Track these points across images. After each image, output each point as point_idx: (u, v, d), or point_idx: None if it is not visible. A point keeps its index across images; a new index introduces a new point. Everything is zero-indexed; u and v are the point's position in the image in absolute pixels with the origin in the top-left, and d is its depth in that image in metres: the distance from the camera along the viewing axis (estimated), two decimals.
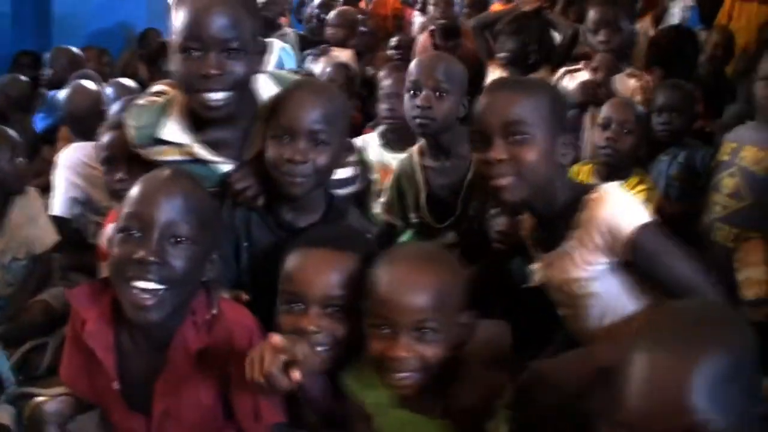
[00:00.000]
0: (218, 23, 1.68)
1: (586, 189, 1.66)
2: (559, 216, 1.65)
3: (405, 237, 2.45)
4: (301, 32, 4.81)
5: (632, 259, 1.58)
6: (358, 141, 2.88)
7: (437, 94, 2.24)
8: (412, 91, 2.29)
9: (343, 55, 4.11)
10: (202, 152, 1.81)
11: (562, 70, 3.09)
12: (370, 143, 2.91)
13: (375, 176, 2.75)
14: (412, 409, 1.49)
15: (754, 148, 2.50)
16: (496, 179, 1.59)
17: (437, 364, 1.42)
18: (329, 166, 1.77)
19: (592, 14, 3.01)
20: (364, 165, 2.12)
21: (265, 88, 1.87)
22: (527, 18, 3.31)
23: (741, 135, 2.59)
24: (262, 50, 1.86)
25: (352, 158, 2.07)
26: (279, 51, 3.96)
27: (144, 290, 1.44)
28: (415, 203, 2.34)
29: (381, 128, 2.96)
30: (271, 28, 4.15)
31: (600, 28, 3.01)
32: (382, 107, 2.89)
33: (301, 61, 4.11)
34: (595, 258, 1.60)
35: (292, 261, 1.59)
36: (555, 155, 1.62)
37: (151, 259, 1.43)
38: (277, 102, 1.79)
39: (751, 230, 2.43)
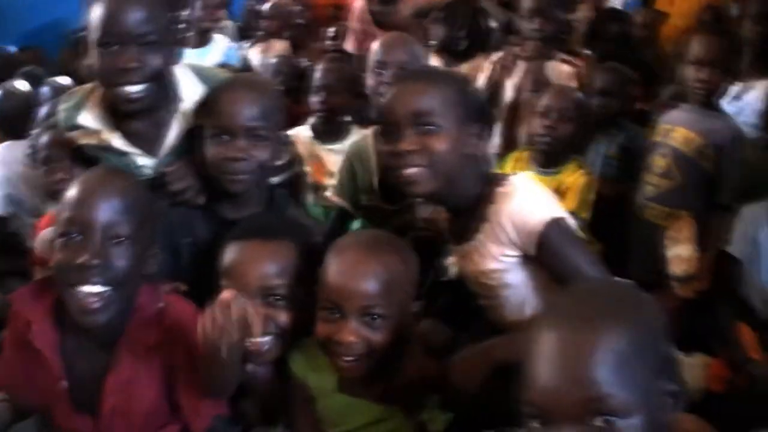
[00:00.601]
0: (134, 17, 1.70)
1: (498, 181, 1.64)
2: (471, 208, 1.64)
3: (356, 225, 2.47)
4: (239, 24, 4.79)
5: (536, 253, 1.58)
6: (289, 133, 2.89)
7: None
8: (377, 71, 2.33)
9: (278, 46, 4.09)
10: (117, 143, 1.82)
11: (494, 57, 3.13)
12: (300, 134, 2.91)
13: (306, 169, 2.78)
14: (354, 394, 1.52)
15: (685, 129, 2.59)
16: (405, 170, 1.58)
17: (383, 350, 1.44)
18: (269, 161, 1.79)
19: (525, 2, 3.06)
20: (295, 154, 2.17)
21: (184, 80, 1.88)
22: (457, 5, 3.34)
23: (673, 117, 2.68)
24: (179, 41, 1.91)
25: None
26: (225, 49, 3.98)
27: (90, 294, 1.45)
28: (367, 186, 2.34)
29: (312, 120, 2.97)
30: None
31: (534, 17, 3.06)
32: (315, 99, 2.91)
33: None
34: (504, 250, 1.61)
35: (227, 255, 1.61)
36: (465, 146, 1.60)
37: (95, 262, 1.43)
38: (212, 101, 1.80)
39: (681, 209, 2.52)
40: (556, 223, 1.57)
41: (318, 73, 2.96)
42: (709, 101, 2.60)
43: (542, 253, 1.57)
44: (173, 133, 1.83)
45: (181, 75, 1.88)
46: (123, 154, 1.83)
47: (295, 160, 2.19)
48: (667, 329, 1.07)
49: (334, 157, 2.84)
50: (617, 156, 2.92)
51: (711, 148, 2.55)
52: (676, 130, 2.61)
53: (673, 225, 2.49)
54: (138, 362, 1.54)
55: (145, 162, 1.83)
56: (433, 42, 3.31)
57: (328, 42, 4.06)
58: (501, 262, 1.62)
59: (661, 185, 2.59)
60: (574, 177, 2.64)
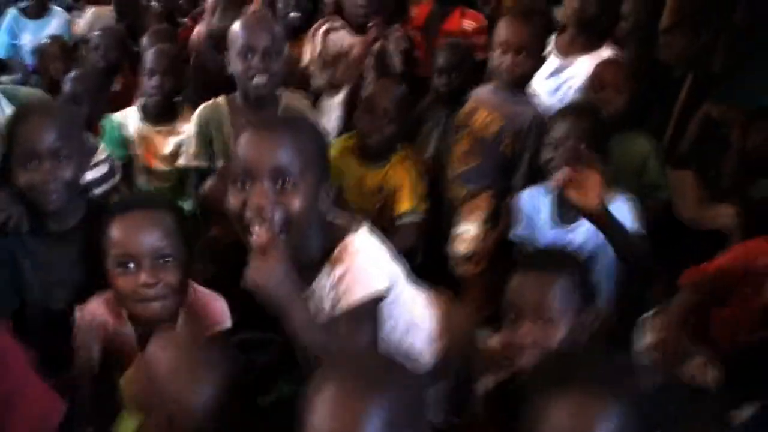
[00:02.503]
0: None
1: (339, 235, 1.63)
2: (309, 262, 1.62)
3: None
4: None
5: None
6: (118, 116, 2.93)
7: (269, 55, 2.36)
8: (244, 55, 2.36)
9: (101, 12, 4.04)
10: None
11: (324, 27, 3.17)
12: (130, 117, 2.93)
13: (137, 152, 2.84)
14: None
15: (486, 110, 2.67)
16: (257, 224, 1.51)
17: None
18: (77, 175, 1.94)
19: None
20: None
21: None
22: None
23: (477, 97, 2.75)
24: None
25: (102, 156, 2.19)
26: (63, 21, 3.92)
27: None
28: (224, 150, 2.41)
29: (142, 101, 2.97)
30: None
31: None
32: (148, 82, 2.92)
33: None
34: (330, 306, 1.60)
35: (113, 230, 1.73)
36: (319, 202, 1.60)
37: None
38: (12, 128, 1.90)
39: (481, 189, 2.63)
40: (363, 308, 1.57)
41: (149, 55, 2.96)
42: (515, 84, 2.65)
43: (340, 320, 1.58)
44: None
45: None
46: None
47: (115, 171, 2.37)
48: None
49: (165, 139, 2.89)
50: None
51: (510, 131, 2.61)
52: (478, 111, 2.68)
53: (468, 204, 2.59)
54: None
55: None
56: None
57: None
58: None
59: (461, 165, 2.68)
60: (400, 173, 2.66)
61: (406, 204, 2.57)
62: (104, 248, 1.74)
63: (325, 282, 1.59)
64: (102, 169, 2.34)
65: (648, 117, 3.54)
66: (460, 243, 2.49)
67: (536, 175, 2.53)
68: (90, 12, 4.02)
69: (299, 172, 1.53)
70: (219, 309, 1.85)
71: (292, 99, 2.59)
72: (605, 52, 3.04)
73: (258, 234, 1.48)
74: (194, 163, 2.48)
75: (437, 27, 3.52)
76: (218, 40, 3.05)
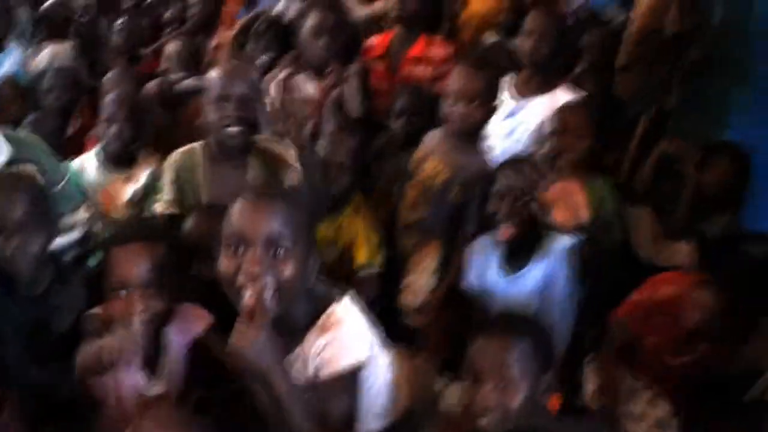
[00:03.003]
0: None
1: (323, 303, 1.68)
2: (295, 327, 1.66)
3: None
4: None
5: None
6: (76, 163, 2.86)
7: (244, 103, 2.34)
8: (219, 104, 2.33)
9: (61, 48, 3.94)
10: None
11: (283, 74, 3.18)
12: (88, 164, 2.86)
13: (95, 201, 2.81)
14: None
15: (435, 159, 2.66)
16: (251, 290, 1.55)
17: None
18: (44, 246, 2.00)
19: (310, 20, 3.09)
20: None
21: None
22: None
23: (428, 144, 2.74)
24: None
25: (79, 215, 2.29)
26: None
27: None
28: (197, 200, 2.39)
29: (100, 147, 2.89)
30: None
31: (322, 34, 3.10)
32: (107, 129, 2.84)
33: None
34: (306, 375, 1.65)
35: (109, 263, 1.84)
36: (308, 270, 1.63)
37: None
38: None
39: (430, 238, 2.63)
40: (342, 378, 1.64)
41: (108, 102, 2.87)
42: (466, 133, 2.65)
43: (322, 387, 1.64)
44: None
45: None
46: None
47: (88, 239, 2.40)
48: None
49: (124, 186, 2.84)
50: None
51: (459, 181, 2.61)
52: (427, 160, 2.68)
53: (418, 253, 2.60)
54: None
55: None
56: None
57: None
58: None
59: (410, 216, 2.69)
60: (354, 224, 2.62)
61: (362, 256, 2.55)
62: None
63: (308, 349, 1.63)
64: (74, 235, 2.36)
65: (604, 155, 3.60)
66: (409, 294, 2.49)
67: (486, 225, 2.54)
68: (47, 49, 3.92)
69: (291, 241, 1.57)
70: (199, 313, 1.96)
71: (269, 143, 2.55)
72: (561, 94, 3.06)
73: (247, 299, 1.52)
74: (169, 211, 2.43)
75: (400, 54, 3.49)
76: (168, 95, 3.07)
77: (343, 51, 3.19)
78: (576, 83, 3.67)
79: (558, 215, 1.95)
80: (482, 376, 1.70)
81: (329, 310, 1.66)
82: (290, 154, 2.55)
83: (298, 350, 1.65)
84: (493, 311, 2.51)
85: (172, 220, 2.41)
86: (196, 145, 2.45)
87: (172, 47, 3.75)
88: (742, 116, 3.50)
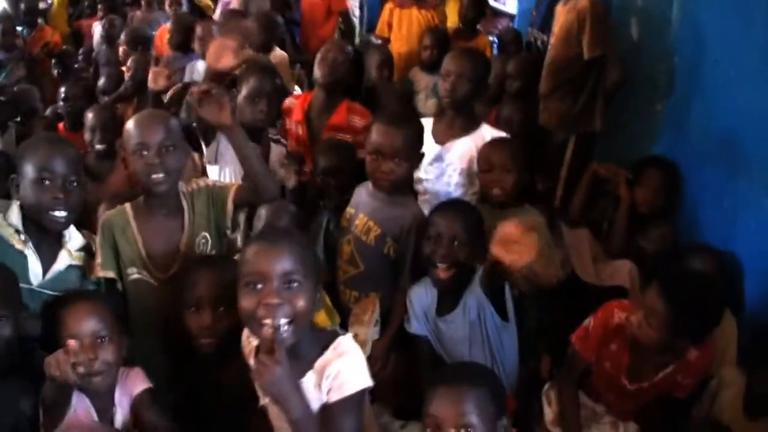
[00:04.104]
0: None
1: (329, 336, 1.88)
2: (304, 356, 1.83)
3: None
4: None
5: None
6: None
7: (164, 149, 2.28)
8: (139, 153, 2.29)
9: None
10: None
11: None
12: None
13: None
14: None
15: (366, 217, 2.66)
16: (270, 320, 1.74)
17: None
18: (15, 333, 2.04)
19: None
20: None
21: None
22: None
23: (357, 200, 2.74)
24: None
25: None
26: None
27: None
28: (134, 257, 2.36)
29: None
30: None
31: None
32: None
33: None
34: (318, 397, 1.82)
35: (61, 312, 2.05)
36: (315, 304, 1.85)
37: None
38: None
39: (368, 292, 2.64)
40: (352, 400, 1.81)
41: None
42: (391, 188, 2.64)
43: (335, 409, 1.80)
44: None
45: None
46: None
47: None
48: None
49: None
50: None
51: (391, 235, 2.62)
52: (359, 217, 2.68)
53: (357, 307, 2.61)
54: None
55: None
56: None
57: None
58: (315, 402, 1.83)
59: (349, 271, 2.69)
60: None
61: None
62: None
63: (320, 374, 1.81)
64: None
65: (535, 184, 3.67)
66: None
67: (422, 272, 2.58)
68: None
69: (303, 276, 1.78)
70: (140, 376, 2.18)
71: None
72: (484, 131, 3.07)
73: (266, 331, 1.73)
74: (101, 274, 2.36)
75: (321, 120, 3.55)
76: None
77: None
78: (501, 112, 3.76)
79: (506, 257, 2.02)
80: (442, 423, 1.82)
81: (336, 342, 1.85)
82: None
83: (308, 375, 1.82)
84: (440, 355, 2.57)
85: (110, 283, 2.40)
86: (126, 204, 2.41)
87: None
88: (667, 131, 3.60)
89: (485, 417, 1.81)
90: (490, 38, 5.35)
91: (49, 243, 2.27)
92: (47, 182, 2.19)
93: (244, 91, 3.18)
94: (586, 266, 3.43)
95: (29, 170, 2.19)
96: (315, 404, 1.80)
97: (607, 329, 2.49)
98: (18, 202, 2.24)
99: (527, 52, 4.79)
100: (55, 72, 5.50)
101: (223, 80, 2.67)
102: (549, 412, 2.60)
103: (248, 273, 1.79)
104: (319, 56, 3.61)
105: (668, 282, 2.37)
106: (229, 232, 2.47)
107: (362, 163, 2.77)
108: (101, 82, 4.58)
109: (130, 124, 2.35)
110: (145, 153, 2.28)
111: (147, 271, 2.35)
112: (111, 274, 2.35)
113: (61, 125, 4.35)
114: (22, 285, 2.17)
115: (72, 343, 1.88)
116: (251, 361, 2.00)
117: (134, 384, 2.15)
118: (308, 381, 1.82)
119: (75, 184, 2.24)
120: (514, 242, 2.07)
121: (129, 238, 2.36)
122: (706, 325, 2.41)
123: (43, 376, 1.99)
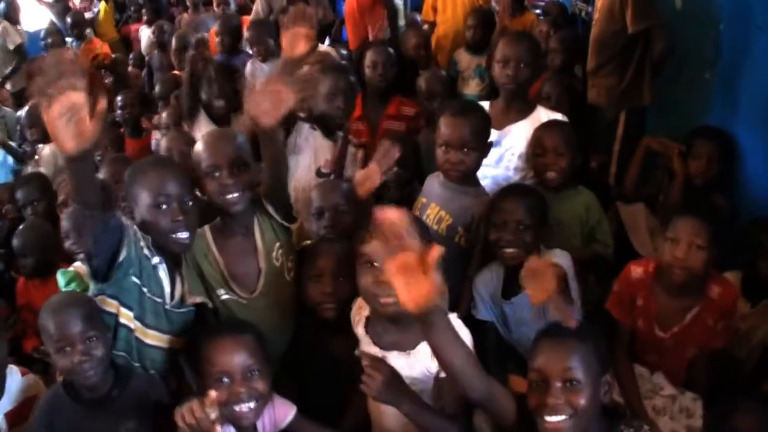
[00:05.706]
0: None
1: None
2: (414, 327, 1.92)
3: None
4: None
5: None
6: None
7: (236, 169, 2.30)
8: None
9: None
10: None
11: None
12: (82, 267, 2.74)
13: None
14: None
15: (438, 207, 2.73)
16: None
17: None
18: (107, 351, 2.18)
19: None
20: None
21: None
22: None
23: (429, 190, 2.81)
24: None
25: None
26: None
27: None
28: (219, 280, 2.39)
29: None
30: None
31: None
32: None
33: None
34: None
35: (205, 350, 2.07)
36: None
37: None
38: (42, 320, 2.16)
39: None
40: None
41: None
42: (461, 179, 2.71)
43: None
44: None
45: None
46: None
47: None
48: None
49: None
50: None
51: (460, 225, 2.68)
52: (430, 207, 2.75)
53: None
54: None
55: None
56: None
57: None
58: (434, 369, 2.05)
59: None
60: None
61: None
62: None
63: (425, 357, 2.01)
64: None
65: (589, 162, 3.72)
66: None
67: (488, 261, 2.67)
68: None
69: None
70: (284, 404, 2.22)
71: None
72: (541, 114, 3.11)
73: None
74: (190, 300, 2.37)
75: (377, 115, 3.79)
76: None
77: None
78: (543, 87, 3.80)
79: (530, 293, 2.05)
80: (550, 377, 1.84)
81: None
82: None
83: (422, 345, 1.98)
84: (506, 339, 2.65)
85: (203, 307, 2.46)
86: (205, 227, 2.44)
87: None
88: (717, 101, 3.60)
89: (590, 372, 1.83)
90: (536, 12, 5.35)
91: (168, 265, 2.29)
92: (164, 206, 2.19)
93: (321, 89, 3.25)
94: (643, 241, 3.50)
95: (144, 196, 2.19)
96: (433, 370, 1.99)
97: (631, 284, 2.62)
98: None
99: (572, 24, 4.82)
100: (108, 81, 5.66)
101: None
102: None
103: (366, 252, 2.00)
104: (368, 60, 3.89)
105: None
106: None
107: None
108: (157, 88, 4.71)
109: (198, 147, 2.36)
110: (218, 174, 2.28)
111: (233, 291, 2.40)
112: (199, 299, 2.39)
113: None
114: (155, 299, 2.26)
115: (212, 394, 1.86)
116: (359, 331, 2.20)
117: (281, 411, 2.18)
118: (422, 350, 1.97)
119: (190, 203, 2.25)
120: (535, 279, 2.04)
121: (211, 261, 2.39)
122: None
123: (144, 399, 2.16)
